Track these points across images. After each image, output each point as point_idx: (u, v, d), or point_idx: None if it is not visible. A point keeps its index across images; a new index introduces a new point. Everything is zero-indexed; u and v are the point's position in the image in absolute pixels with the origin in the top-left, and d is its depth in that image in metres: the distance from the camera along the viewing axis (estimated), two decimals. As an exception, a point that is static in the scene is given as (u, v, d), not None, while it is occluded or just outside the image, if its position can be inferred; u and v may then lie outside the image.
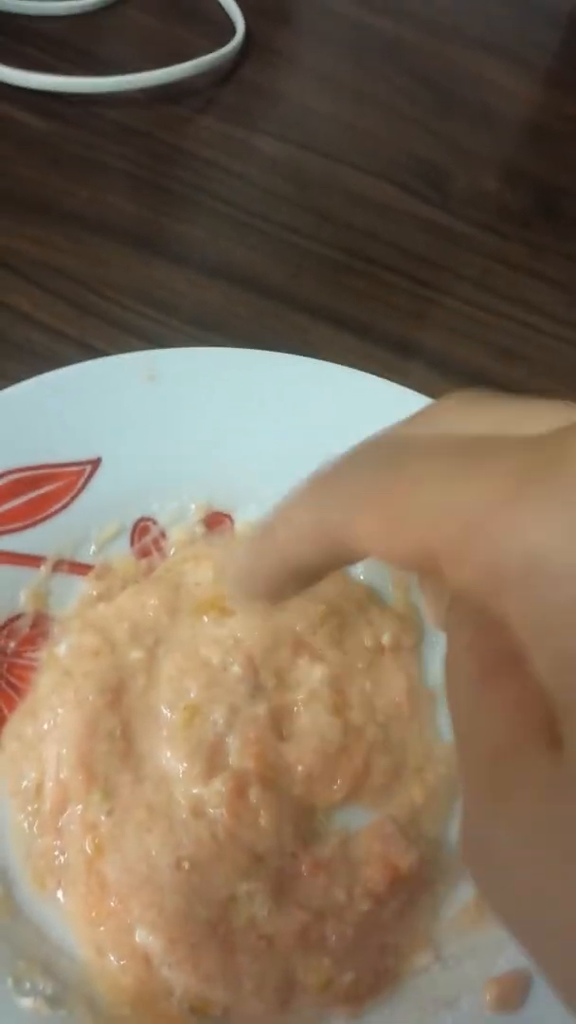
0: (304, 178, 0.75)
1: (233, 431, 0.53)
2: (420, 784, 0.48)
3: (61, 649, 0.48)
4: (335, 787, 0.46)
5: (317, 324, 0.65)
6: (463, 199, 0.78)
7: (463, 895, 0.45)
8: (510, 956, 0.42)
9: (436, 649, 0.52)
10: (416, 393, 0.54)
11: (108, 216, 0.68)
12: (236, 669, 0.47)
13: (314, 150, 0.77)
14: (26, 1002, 0.38)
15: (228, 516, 0.54)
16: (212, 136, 0.76)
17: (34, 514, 0.49)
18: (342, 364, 0.56)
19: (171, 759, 0.45)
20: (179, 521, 0.53)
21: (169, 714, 0.46)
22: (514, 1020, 0.41)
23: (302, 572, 0.31)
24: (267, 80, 0.82)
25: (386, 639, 0.51)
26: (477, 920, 0.44)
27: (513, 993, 0.41)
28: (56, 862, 0.43)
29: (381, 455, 0.28)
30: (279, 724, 0.47)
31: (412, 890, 0.45)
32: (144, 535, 0.52)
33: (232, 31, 0.82)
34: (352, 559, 0.29)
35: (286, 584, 0.32)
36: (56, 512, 0.49)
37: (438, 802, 0.48)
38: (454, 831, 0.47)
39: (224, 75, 0.80)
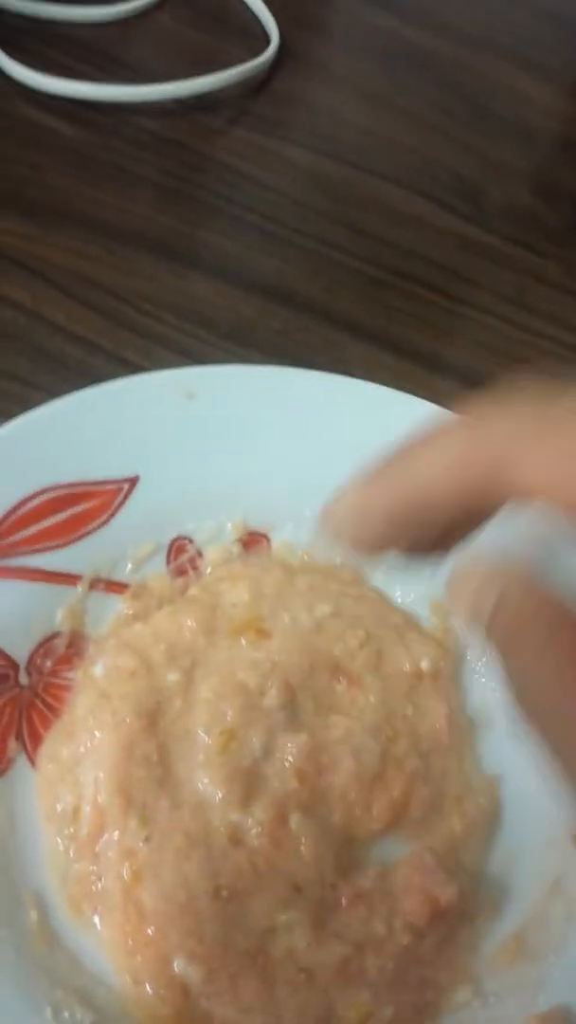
0: (338, 191, 0.75)
1: (271, 450, 0.53)
2: (459, 815, 0.47)
3: (97, 670, 0.47)
4: (374, 816, 0.46)
5: (351, 340, 0.65)
6: (497, 214, 0.78)
7: (504, 929, 0.45)
8: (552, 993, 0.42)
9: (475, 677, 0.51)
10: (454, 412, 0.54)
11: (140, 227, 0.68)
12: (274, 693, 0.47)
13: (348, 162, 0.77)
14: (64, 1032, 0.38)
15: (265, 536, 0.54)
16: (245, 147, 0.76)
17: (71, 532, 0.49)
18: (377, 381, 0.56)
19: (208, 785, 0.44)
20: (215, 540, 0.53)
21: (206, 738, 0.46)
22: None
23: (426, 519, 0.28)
24: (301, 91, 0.82)
25: (425, 665, 0.50)
26: (518, 956, 0.44)
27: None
28: (93, 888, 0.42)
29: (541, 398, 0.26)
30: (317, 750, 0.46)
31: (451, 924, 0.44)
32: (180, 554, 0.52)
33: (266, 41, 0.82)
34: (493, 506, 0.27)
35: (401, 531, 0.28)
36: (93, 530, 0.49)
37: (477, 834, 0.47)
38: (493, 864, 0.47)
39: (257, 85, 0.80)
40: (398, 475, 0.28)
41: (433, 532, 0.28)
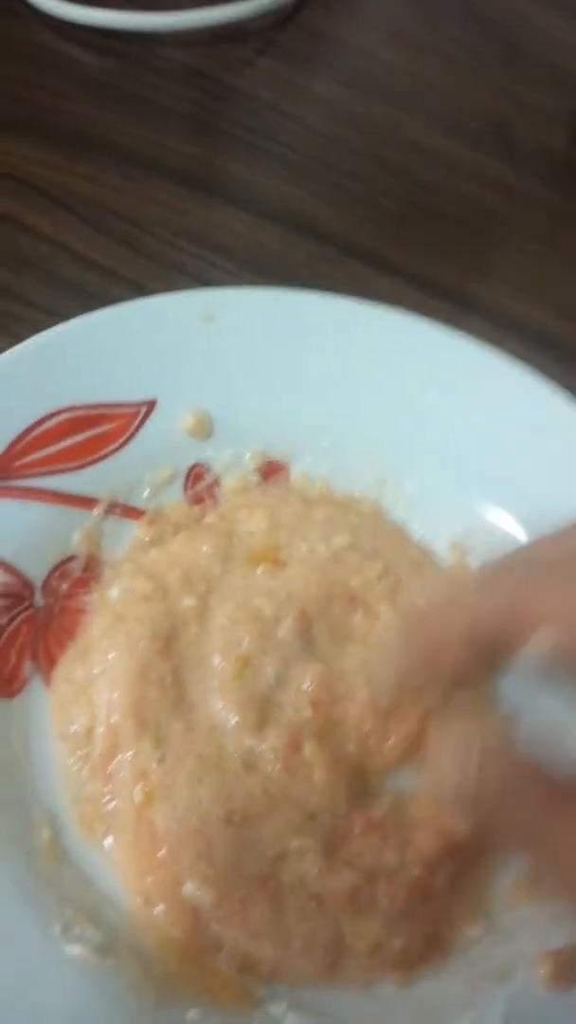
0: (365, 126, 0.74)
1: (293, 378, 0.52)
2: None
3: (113, 593, 0.47)
4: (389, 747, 0.45)
5: (375, 274, 0.64)
6: (530, 155, 0.76)
7: (518, 865, 0.44)
8: (565, 930, 0.42)
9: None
10: (479, 344, 0.53)
11: (164, 156, 0.67)
12: (289, 622, 0.47)
13: (376, 98, 0.76)
14: (74, 949, 0.38)
15: (284, 466, 0.53)
16: (272, 79, 0.74)
17: (88, 454, 0.48)
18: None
19: (222, 709, 0.44)
20: (233, 469, 0.52)
21: (221, 663, 0.45)
22: (569, 997, 0.40)
23: (482, 652, 0.34)
24: (329, 25, 0.80)
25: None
26: (531, 892, 0.44)
27: (568, 968, 0.41)
28: (105, 808, 0.42)
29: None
30: (332, 679, 0.46)
31: (465, 858, 0.44)
32: (198, 481, 0.51)
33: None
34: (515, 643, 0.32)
35: (467, 664, 0.34)
36: (111, 453, 0.49)
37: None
38: (510, 799, 0.46)
39: (286, 17, 0.78)
40: (453, 615, 0.34)
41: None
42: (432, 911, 0.43)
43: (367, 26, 0.81)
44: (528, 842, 0.30)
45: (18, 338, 0.50)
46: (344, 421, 0.52)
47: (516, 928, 0.43)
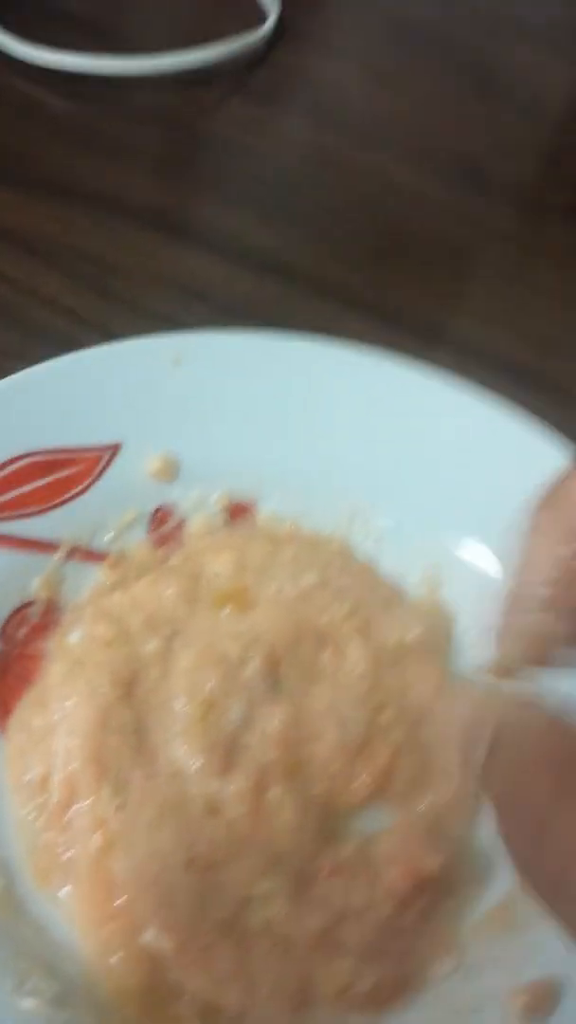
0: (337, 164, 0.74)
1: (260, 419, 0.52)
2: (447, 786, 0.46)
3: (73, 638, 0.47)
4: (357, 786, 0.45)
5: (347, 312, 0.64)
6: (501, 190, 0.76)
7: (489, 900, 0.44)
8: (536, 965, 0.41)
9: (465, 648, 0.50)
10: (448, 379, 0.53)
11: (135, 200, 0.68)
12: (256, 663, 0.46)
13: (347, 136, 0.76)
14: (28, 1003, 0.37)
15: (251, 506, 0.53)
16: (242, 120, 0.75)
17: (50, 499, 0.48)
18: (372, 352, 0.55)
19: (185, 754, 0.44)
20: (199, 510, 0.52)
21: (184, 707, 0.45)
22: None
23: None
24: (300, 64, 0.81)
25: (413, 636, 0.49)
26: (503, 927, 0.43)
27: (544, 1000, 0.40)
28: (62, 858, 0.42)
29: None
30: (300, 720, 0.46)
31: (435, 894, 0.43)
32: (163, 523, 0.51)
33: (265, 13, 0.81)
34: None
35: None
36: (73, 497, 0.49)
37: (464, 805, 0.46)
38: (481, 833, 0.46)
39: (257, 58, 0.79)
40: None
41: None
42: (403, 948, 0.42)
43: (336, 62, 0.82)
44: (520, 840, 0.26)
45: (-18, 384, 0.50)
46: (313, 460, 0.52)
47: (487, 963, 0.42)
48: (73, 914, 0.41)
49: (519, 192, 0.76)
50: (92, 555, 0.49)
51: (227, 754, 0.44)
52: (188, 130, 0.73)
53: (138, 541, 0.50)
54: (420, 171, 0.75)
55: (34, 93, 0.73)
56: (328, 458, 0.52)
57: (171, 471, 0.51)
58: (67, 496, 0.49)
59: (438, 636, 0.50)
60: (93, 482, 0.49)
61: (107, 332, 0.59)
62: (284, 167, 0.73)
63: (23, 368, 0.51)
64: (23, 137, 0.70)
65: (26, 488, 0.48)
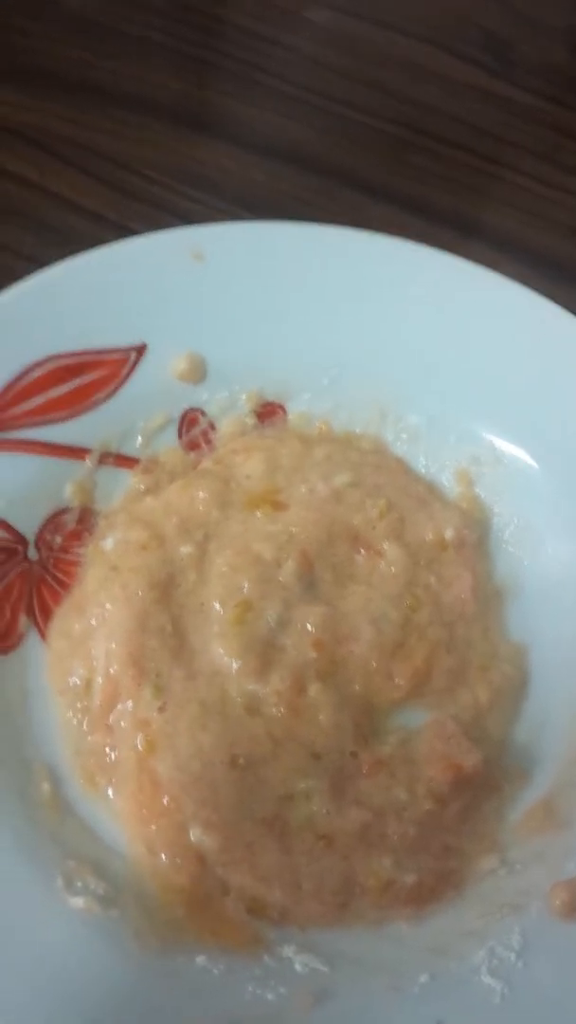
0: (359, 50, 0.72)
1: (287, 315, 0.52)
2: (484, 684, 0.47)
3: (108, 544, 0.47)
4: (395, 685, 0.45)
5: (373, 202, 0.64)
6: (529, 70, 0.75)
7: (530, 798, 0.45)
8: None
9: (502, 546, 0.51)
10: (481, 268, 0.53)
11: (150, 94, 0.67)
12: (290, 564, 0.47)
13: (369, 19, 0.74)
14: (77, 901, 0.38)
15: (281, 406, 0.52)
16: (260, 7, 0.73)
17: (77, 403, 0.48)
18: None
19: (224, 655, 0.44)
20: (229, 412, 0.52)
21: (221, 610, 0.45)
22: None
23: None
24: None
25: (449, 534, 0.49)
26: (545, 824, 0.44)
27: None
28: (106, 760, 0.43)
29: None
30: (336, 620, 0.46)
31: (476, 792, 0.44)
32: (193, 427, 0.51)
33: None
34: None
35: None
36: (100, 401, 0.49)
37: (503, 703, 0.47)
38: (520, 733, 0.47)
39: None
40: None
41: None
42: (444, 845, 0.43)
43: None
44: None
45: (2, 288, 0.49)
46: (343, 355, 0.52)
47: (529, 859, 0.43)
48: (119, 814, 0.42)
49: (548, 72, 0.74)
50: (123, 460, 0.49)
51: (264, 655, 0.45)
52: (204, 19, 0.71)
53: (169, 446, 0.50)
54: (446, 53, 0.74)
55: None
56: (358, 353, 0.52)
57: (198, 372, 0.51)
58: (94, 400, 0.49)
59: (473, 533, 0.50)
60: (121, 385, 0.49)
61: (125, 229, 0.59)
62: (304, 55, 0.71)
63: (40, 269, 0.50)
64: (32, 34, 0.68)
65: (53, 393, 0.48)
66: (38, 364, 0.47)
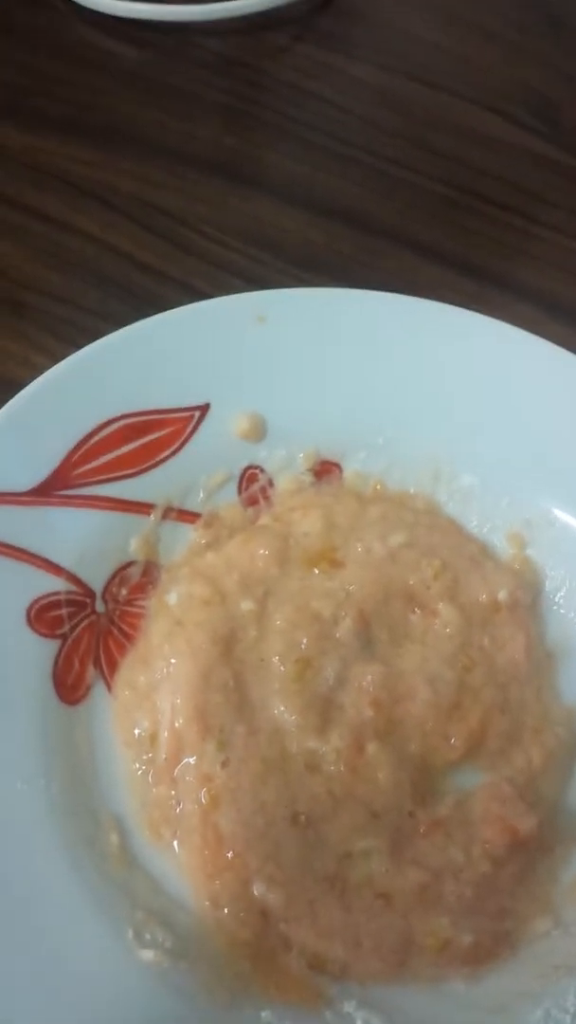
0: (409, 109, 0.75)
1: (344, 376, 0.54)
2: (538, 746, 0.48)
3: (172, 598, 0.49)
4: (451, 746, 0.47)
5: (424, 263, 0.66)
6: (575, 130, 0.76)
7: (584, 860, 0.46)
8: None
9: (553, 608, 0.52)
10: (529, 334, 0.55)
11: (205, 150, 0.69)
12: (348, 623, 0.48)
13: (419, 80, 0.77)
14: (147, 954, 0.39)
15: (337, 465, 0.54)
16: (312, 66, 0.76)
17: (144, 461, 0.50)
18: (451, 304, 0.56)
19: (284, 712, 0.46)
20: (287, 469, 0.54)
21: (281, 666, 0.47)
22: None
23: None
24: (367, 6, 0.81)
25: (502, 595, 0.51)
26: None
27: None
28: (172, 812, 0.44)
29: None
30: (392, 679, 0.47)
31: (531, 854, 0.45)
32: (252, 483, 0.53)
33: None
34: None
35: None
36: (165, 459, 0.51)
37: (556, 765, 0.48)
38: (574, 795, 0.48)
39: (323, 1, 0.80)
40: None
41: None
42: (500, 906, 0.44)
43: (406, 5, 0.82)
44: None
45: (67, 341, 0.52)
46: (397, 417, 0.54)
47: (582, 922, 0.44)
48: (184, 867, 0.43)
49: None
50: (185, 515, 0.51)
51: (323, 712, 0.46)
52: (256, 76, 0.74)
53: (229, 501, 0.52)
54: (493, 114, 0.76)
55: (102, 43, 0.74)
56: (412, 414, 0.54)
57: (258, 431, 0.53)
58: (160, 457, 0.51)
59: (527, 595, 0.52)
60: (184, 443, 0.51)
61: (186, 286, 0.61)
62: (354, 113, 0.74)
63: (103, 325, 0.52)
64: (93, 89, 0.71)
65: (121, 451, 0.50)
66: (108, 423, 0.50)
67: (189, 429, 0.51)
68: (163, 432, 0.51)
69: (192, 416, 0.51)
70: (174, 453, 0.51)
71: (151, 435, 0.50)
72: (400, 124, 0.74)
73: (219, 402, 0.52)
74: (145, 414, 0.51)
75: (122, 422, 0.50)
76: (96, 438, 0.49)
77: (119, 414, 0.50)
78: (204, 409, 0.52)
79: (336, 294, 0.56)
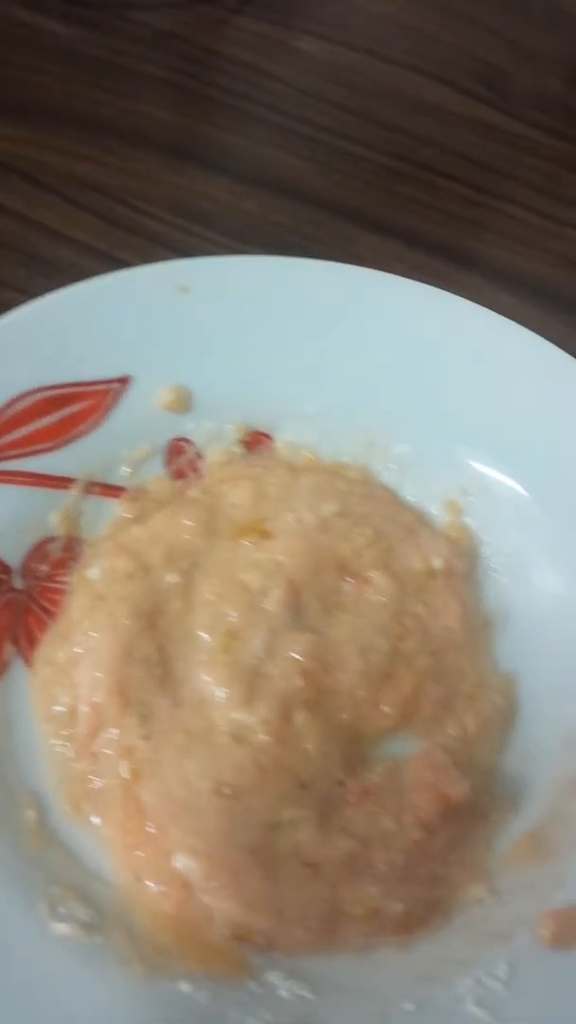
0: (350, 80, 0.75)
1: (273, 345, 0.54)
2: (473, 713, 0.48)
3: (93, 572, 0.49)
4: (383, 714, 0.47)
5: (365, 233, 0.66)
6: (525, 101, 0.77)
7: (519, 827, 0.46)
8: (569, 889, 0.43)
9: (491, 575, 0.52)
10: (468, 302, 0.54)
11: (139, 125, 0.69)
12: (277, 593, 0.48)
13: (362, 50, 0.77)
14: (61, 928, 0.39)
15: (267, 435, 0.54)
16: (250, 38, 0.76)
17: (62, 434, 0.50)
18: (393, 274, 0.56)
19: (210, 684, 0.46)
20: (216, 441, 0.53)
21: (207, 639, 0.47)
22: (571, 957, 0.41)
23: None
24: (309, -25, 0.81)
25: (437, 563, 0.51)
26: (532, 854, 0.45)
27: (570, 928, 0.42)
28: (92, 787, 0.44)
29: None
30: (323, 649, 0.47)
31: (464, 821, 0.45)
32: (178, 456, 0.53)
33: None
34: None
35: None
36: (85, 432, 0.51)
37: (492, 732, 0.48)
38: (508, 762, 0.48)
39: (263, -28, 0.80)
40: None
41: None
42: (432, 874, 0.44)
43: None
44: None
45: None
46: (329, 386, 0.54)
47: (517, 889, 0.44)
48: (105, 841, 0.43)
49: (545, 103, 0.76)
50: (109, 489, 0.51)
51: (251, 683, 0.46)
52: (193, 50, 0.74)
53: (156, 474, 0.52)
54: (440, 84, 0.76)
55: (33, 20, 0.73)
56: (344, 384, 0.54)
57: (183, 402, 0.53)
58: (79, 430, 0.50)
59: (463, 562, 0.52)
60: (104, 416, 0.51)
61: (115, 261, 0.61)
62: (295, 86, 0.73)
63: (27, 301, 0.52)
64: (21, 66, 0.71)
65: (38, 424, 0.50)
66: (23, 396, 0.49)
67: (109, 402, 0.51)
68: (82, 405, 0.51)
69: (111, 388, 0.51)
70: (94, 426, 0.51)
71: (69, 408, 0.50)
72: (343, 95, 0.74)
73: (141, 374, 0.52)
74: (62, 387, 0.50)
75: (38, 395, 0.50)
76: (11, 411, 0.49)
77: (35, 387, 0.50)
78: (124, 381, 0.52)
79: (260, 262, 0.56)
